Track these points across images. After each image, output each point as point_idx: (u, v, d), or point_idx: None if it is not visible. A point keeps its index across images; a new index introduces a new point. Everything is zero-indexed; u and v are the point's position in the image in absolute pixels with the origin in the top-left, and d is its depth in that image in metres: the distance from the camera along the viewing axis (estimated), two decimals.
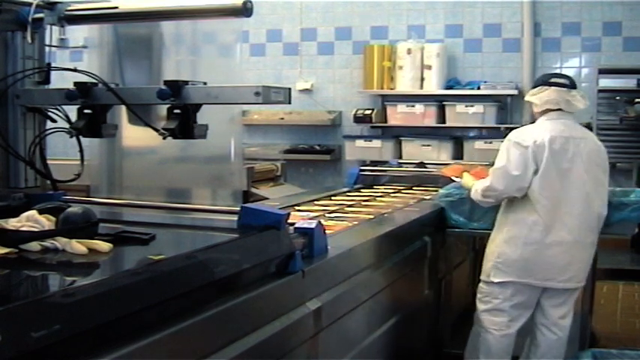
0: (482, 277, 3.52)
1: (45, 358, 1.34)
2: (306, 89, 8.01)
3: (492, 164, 3.54)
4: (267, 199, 4.86)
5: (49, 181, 2.64)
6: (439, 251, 3.83)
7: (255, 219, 2.19)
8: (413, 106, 7.29)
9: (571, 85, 3.49)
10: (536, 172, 3.33)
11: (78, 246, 1.85)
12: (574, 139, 3.39)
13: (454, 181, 3.98)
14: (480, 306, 3.51)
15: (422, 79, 7.33)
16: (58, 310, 1.42)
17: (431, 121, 7.23)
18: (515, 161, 3.34)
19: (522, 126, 6.87)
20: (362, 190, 4.62)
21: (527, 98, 3.56)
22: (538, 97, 3.47)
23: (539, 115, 3.50)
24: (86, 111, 2.46)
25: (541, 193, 3.33)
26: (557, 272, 3.37)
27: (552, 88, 3.45)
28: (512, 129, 7.64)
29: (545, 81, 3.51)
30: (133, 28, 2.79)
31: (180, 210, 2.54)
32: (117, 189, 2.81)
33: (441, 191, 3.98)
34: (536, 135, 3.37)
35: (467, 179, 3.79)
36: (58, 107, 2.62)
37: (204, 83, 2.34)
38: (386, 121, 7.53)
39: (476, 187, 3.55)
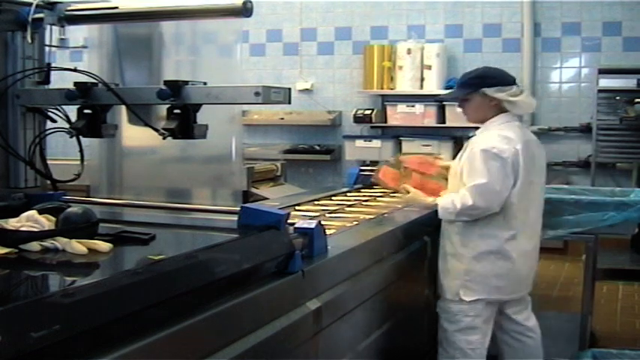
0: (448, 295, 3.27)
1: (45, 358, 1.34)
2: (306, 89, 8.02)
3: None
4: (267, 199, 4.85)
5: (49, 181, 2.64)
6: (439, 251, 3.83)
7: (255, 219, 2.19)
8: (413, 106, 7.31)
9: None
10: (514, 183, 3.14)
11: (78, 246, 1.85)
12: (531, 142, 3.27)
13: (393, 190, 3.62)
14: (450, 326, 3.27)
15: (422, 79, 7.34)
16: (58, 310, 1.42)
17: (431, 121, 7.25)
18: (496, 175, 3.08)
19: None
20: (362, 190, 4.62)
21: (509, 98, 3.18)
22: (523, 101, 3.21)
23: (491, 116, 3.22)
24: (86, 111, 2.47)
25: (518, 206, 3.17)
26: (521, 284, 3.31)
27: (526, 92, 3.28)
28: None
29: (513, 81, 3.25)
30: (133, 28, 2.79)
31: (180, 210, 2.54)
32: (117, 189, 2.81)
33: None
34: (511, 143, 3.13)
35: (417, 194, 3.41)
36: (58, 107, 2.62)
37: (204, 83, 2.34)
38: (386, 121, 7.54)
39: (445, 206, 3.19)
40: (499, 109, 3.22)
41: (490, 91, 3.18)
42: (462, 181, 3.20)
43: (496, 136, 3.17)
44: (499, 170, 3.09)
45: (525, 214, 3.23)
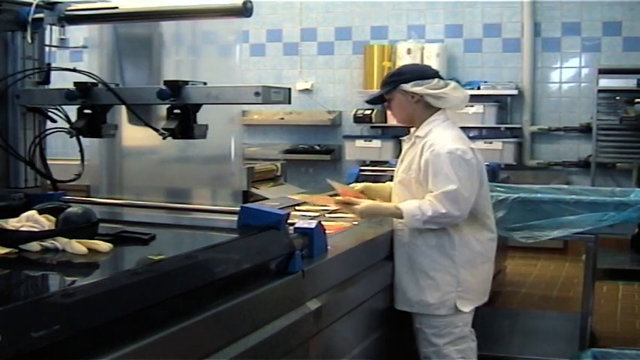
0: (442, 311, 3.02)
1: (45, 358, 1.34)
2: (306, 89, 8.02)
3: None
4: (267, 199, 4.86)
5: (49, 181, 2.65)
6: None
7: (255, 219, 2.19)
8: None
9: None
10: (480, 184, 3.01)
11: (78, 246, 1.85)
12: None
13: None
14: (441, 340, 3.03)
15: None
16: (58, 310, 1.42)
17: None
18: (464, 180, 2.89)
19: (520, 126, 6.72)
20: None
21: (428, 91, 3.00)
22: (450, 94, 3.02)
23: (420, 114, 3.05)
24: (86, 111, 2.47)
25: (487, 206, 3.10)
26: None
27: (453, 84, 3.08)
28: (512, 129, 7.67)
29: (433, 75, 3.07)
30: (133, 28, 2.79)
31: (180, 210, 2.54)
32: (117, 189, 2.81)
33: None
34: (466, 142, 3.02)
35: (373, 204, 3.07)
36: (58, 107, 2.62)
37: (204, 83, 2.34)
38: (386, 122, 7.54)
39: (412, 212, 2.89)
40: (425, 105, 3.04)
41: (407, 86, 3.02)
42: (421, 184, 2.98)
43: (450, 136, 3.01)
44: (467, 174, 2.91)
45: (492, 212, 3.18)
